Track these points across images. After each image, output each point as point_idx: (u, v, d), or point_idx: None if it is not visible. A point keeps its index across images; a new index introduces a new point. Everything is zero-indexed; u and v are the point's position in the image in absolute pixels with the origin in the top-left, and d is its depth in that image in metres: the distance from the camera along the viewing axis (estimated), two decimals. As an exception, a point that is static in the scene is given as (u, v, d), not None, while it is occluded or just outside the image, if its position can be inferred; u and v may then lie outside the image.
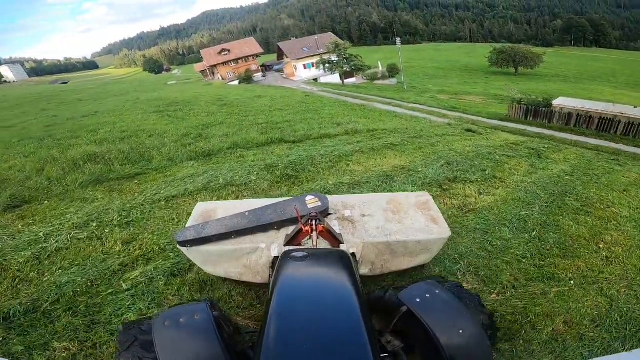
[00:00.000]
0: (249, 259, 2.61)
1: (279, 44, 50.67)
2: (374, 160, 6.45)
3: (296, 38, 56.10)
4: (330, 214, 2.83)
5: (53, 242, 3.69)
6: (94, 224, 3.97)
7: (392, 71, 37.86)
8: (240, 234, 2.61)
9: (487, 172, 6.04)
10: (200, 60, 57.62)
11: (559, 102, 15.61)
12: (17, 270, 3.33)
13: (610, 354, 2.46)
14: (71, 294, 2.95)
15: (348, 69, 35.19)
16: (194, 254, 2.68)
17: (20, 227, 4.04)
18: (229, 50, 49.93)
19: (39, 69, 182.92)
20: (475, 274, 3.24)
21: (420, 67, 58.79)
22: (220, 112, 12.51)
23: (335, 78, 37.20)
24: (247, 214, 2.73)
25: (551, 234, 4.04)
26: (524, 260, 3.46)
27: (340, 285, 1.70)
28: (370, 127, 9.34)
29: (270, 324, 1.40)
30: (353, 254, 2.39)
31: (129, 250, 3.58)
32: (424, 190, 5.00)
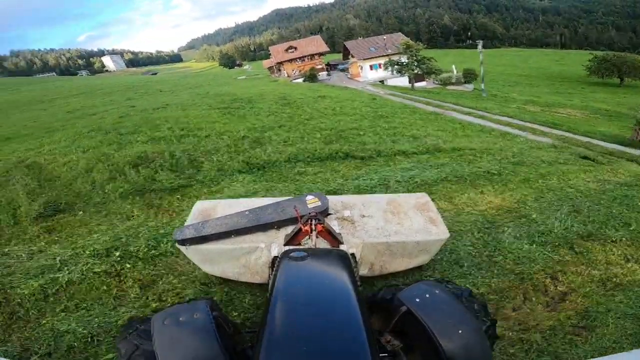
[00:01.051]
0: (248, 259, 2.58)
1: (345, 43, 49.58)
2: (466, 194, 4.95)
3: (362, 38, 54.40)
4: (329, 214, 2.76)
5: (66, 272, 3.10)
6: (117, 254, 3.27)
7: (469, 76, 34.31)
8: (240, 233, 2.56)
9: (632, 228, 4.28)
10: (268, 56, 59.32)
11: None
12: (18, 304, 2.81)
13: None
14: (65, 348, 2.43)
15: (419, 72, 32.66)
16: (192, 252, 2.62)
17: (43, 244, 3.51)
18: (295, 48, 50.35)
19: (134, 60, 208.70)
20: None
21: (499, 73, 53.11)
22: (282, 113, 11.81)
23: (403, 81, 34.89)
24: (247, 213, 2.68)
25: None
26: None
27: (340, 285, 1.69)
28: (455, 144, 7.68)
29: (269, 323, 1.38)
30: (353, 254, 2.33)
31: (146, 298, 2.86)
32: (546, 250, 3.70)
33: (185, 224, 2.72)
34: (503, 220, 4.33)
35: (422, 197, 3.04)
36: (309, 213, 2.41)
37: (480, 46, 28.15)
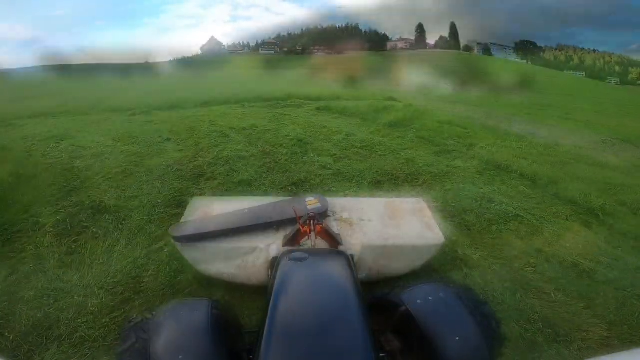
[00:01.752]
0: (246, 259, 2.51)
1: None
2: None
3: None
4: (328, 216, 2.76)
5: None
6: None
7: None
8: (238, 232, 2.52)
9: None
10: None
11: None
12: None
13: None
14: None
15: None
16: (188, 250, 2.58)
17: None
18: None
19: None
20: None
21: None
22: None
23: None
24: (245, 211, 2.69)
25: None
26: None
27: (340, 286, 1.69)
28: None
29: (268, 324, 1.37)
30: (352, 255, 2.26)
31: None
32: None
33: (182, 220, 2.71)
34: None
35: (419, 202, 3.09)
36: (308, 214, 2.40)
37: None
